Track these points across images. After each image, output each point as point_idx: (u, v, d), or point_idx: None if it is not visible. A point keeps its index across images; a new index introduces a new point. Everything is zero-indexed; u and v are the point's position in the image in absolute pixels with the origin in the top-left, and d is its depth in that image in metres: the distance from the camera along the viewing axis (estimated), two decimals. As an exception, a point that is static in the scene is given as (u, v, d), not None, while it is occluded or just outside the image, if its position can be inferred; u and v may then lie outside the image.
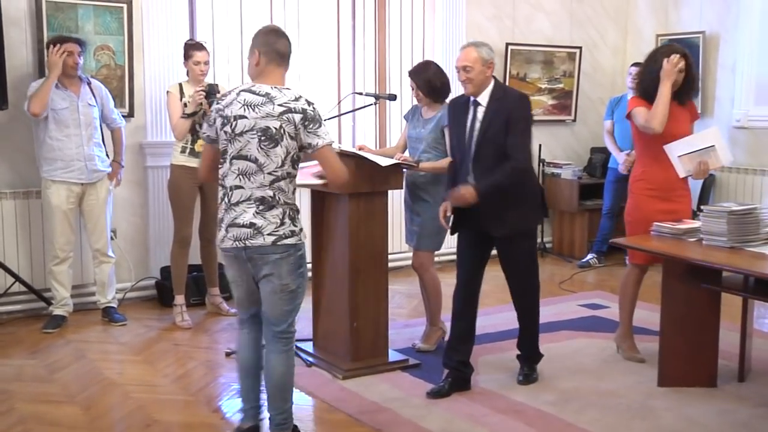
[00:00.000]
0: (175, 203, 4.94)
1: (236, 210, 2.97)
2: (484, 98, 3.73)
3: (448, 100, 4.32)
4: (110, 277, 4.99)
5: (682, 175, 3.99)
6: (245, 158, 2.95)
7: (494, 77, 3.79)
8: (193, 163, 4.81)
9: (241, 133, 2.94)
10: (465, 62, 3.70)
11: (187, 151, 4.86)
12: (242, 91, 3.01)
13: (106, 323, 4.91)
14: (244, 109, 2.95)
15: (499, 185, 3.63)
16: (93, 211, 4.87)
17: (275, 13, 5.85)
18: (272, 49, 3.03)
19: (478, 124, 3.72)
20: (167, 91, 4.94)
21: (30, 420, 3.49)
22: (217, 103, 3.08)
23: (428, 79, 4.25)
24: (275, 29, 3.12)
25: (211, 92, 4.74)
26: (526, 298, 3.91)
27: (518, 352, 4.02)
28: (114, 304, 5.02)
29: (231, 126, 2.96)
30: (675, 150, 3.96)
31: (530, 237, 3.88)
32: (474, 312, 3.90)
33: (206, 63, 4.87)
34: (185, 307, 4.97)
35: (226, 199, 3.01)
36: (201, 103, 4.75)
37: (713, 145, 3.94)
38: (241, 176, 2.95)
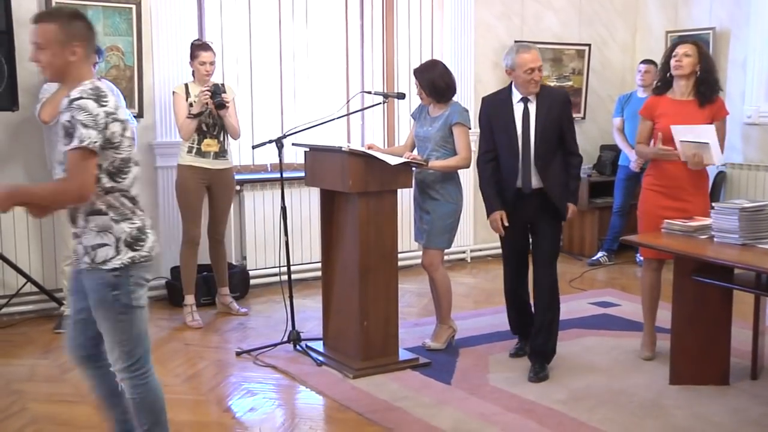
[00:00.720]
0: (182, 203, 4.95)
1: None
2: (534, 95, 3.92)
3: (455, 98, 4.33)
4: (121, 277, 5.00)
5: (682, 158, 4.00)
6: (137, 163, 2.70)
7: None
8: (199, 163, 4.85)
9: (133, 137, 2.70)
10: (540, 62, 3.90)
11: (194, 151, 4.87)
12: (110, 91, 2.63)
13: (117, 323, 4.93)
14: (126, 111, 2.70)
15: (578, 183, 4.06)
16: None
17: (284, 12, 5.85)
18: (91, 43, 2.64)
19: (531, 121, 3.88)
20: (173, 92, 4.95)
21: (42, 420, 3.50)
22: (101, 105, 2.51)
23: (432, 80, 4.22)
24: (80, 14, 2.68)
25: (217, 92, 4.75)
26: (549, 289, 3.95)
27: (530, 350, 4.01)
28: (125, 304, 5.03)
29: (131, 130, 2.68)
30: (680, 134, 3.97)
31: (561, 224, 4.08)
32: (526, 293, 4.18)
33: (212, 63, 4.86)
34: (195, 307, 4.97)
35: (138, 209, 2.67)
36: (207, 103, 4.76)
37: (708, 143, 3.93)
38: (137, 181, 2.70)
